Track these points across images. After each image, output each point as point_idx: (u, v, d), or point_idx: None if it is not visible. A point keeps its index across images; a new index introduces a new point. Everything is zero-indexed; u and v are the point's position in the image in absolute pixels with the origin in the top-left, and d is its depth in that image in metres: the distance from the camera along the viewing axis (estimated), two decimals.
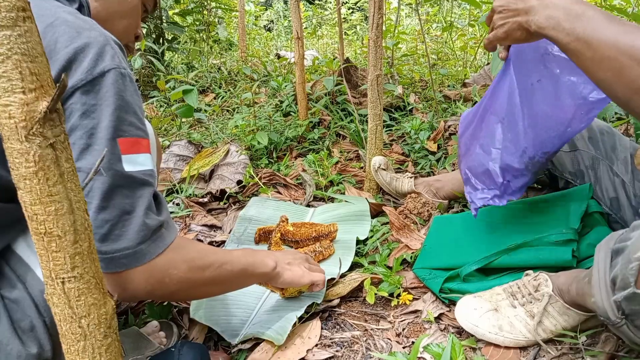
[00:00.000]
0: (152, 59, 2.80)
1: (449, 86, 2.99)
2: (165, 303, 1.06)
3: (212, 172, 1.82)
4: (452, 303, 1.02)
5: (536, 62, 0.94)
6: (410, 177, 1.54)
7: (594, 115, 0.90)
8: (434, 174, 1.77)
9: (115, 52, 0.70)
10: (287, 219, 1.34)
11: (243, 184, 1.72)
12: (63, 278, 0.55)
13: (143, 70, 2.89)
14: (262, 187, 1.68)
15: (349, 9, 7.76)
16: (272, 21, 8.90)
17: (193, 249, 0.76)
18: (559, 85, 0.92)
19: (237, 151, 1.86)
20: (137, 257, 0.68)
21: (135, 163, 0.69)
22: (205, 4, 3.74)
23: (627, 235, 0.64)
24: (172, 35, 3.21)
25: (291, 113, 2.49)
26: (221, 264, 0.78)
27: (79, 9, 0.81)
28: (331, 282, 1.10)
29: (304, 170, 1.86)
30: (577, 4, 0.67)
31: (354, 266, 1.19)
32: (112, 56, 0.69)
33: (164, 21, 3.05)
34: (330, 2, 7.87)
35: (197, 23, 3.74)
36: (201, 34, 3.92)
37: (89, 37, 0.68)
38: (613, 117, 1.97)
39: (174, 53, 3.36)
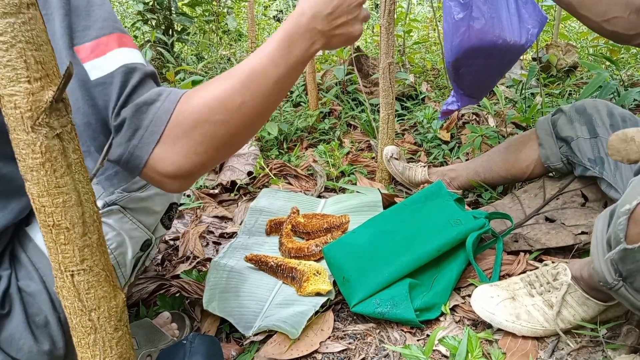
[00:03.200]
0: (162, 51, 2.79)
1: None
2: (177, 294, 1.06)
3: (222, 163, 1.81)
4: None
5: None
6: (424, 167, 1.51)
7: (461, 33, 1.12)
8: (447, 164, 1.75)
9: None
10: (298, 211, 1.33)
11: (253, 175, 1.71)
12: (72, 271, 0.54)
13: (153, 62, 2.88)
14: (272, 178, 1.67)
15: None
16: (281, 11, 8.85)
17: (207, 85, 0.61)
18: (445, 7, 1.15)
19: (247, 142, 1.84)
20: (142, 146, 0.58)
21: (100, 68, 0.59)
22: None
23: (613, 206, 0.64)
24: (182, 27, 3.19)
25: (301, 103, 2.47)
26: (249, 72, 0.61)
27: None
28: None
29: (314, 161, 1.84)
30: None
31: None
32: None
33: (173, 12, 3.04)
34: None
35: (207, 14, 3.72)
36: (210, 25, 3.90)
37: None
38: (632, 104, 1.92)
39: (184, 44, 3.35)
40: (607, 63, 2.52)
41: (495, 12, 1.13)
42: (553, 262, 0.89)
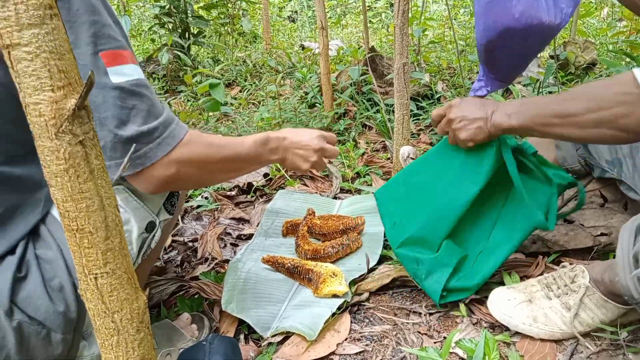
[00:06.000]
0: (179, 54, 2.83)
1: (477, 72, 2.91)
2: (196, 295, 1.07)
3: None
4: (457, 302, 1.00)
5: None
6: None
7: (497, 11, 1.04)
8: None
9: None
10: (314, 212, 1.34)
11: (270, 176, 1.72)
12: (96, 274, 0.55)
13: (170, 65, 2.92)
14: (288, 179, 1.68)
15: None
16: (295, 12, 8.87)
17: (205, 142, 0.79)
18: None
19: None
20: (146, 158, 0.71)
21: (121, 74, 0.69)
22: None
23: None
24: (198, 30, 3.23)
25: (316, 104, 2.48)
26: (232, 151, 0.83)
27: None
28: (360, 278, 1.09)
29: (330, 162, 1.85)
30: (516, 101, 0.89)
31: (382, 259, 1.17)
32: None
33: (189, 15, 3.07)
34: None
35: (222, 16, 3.75)
36: (226, 27, 3.94)
37: None
38: None
39: (200, 47, 3.39)
40: (627, 59, 2.47)
41: None
42: (571, 264, 0.88)
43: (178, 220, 1.46)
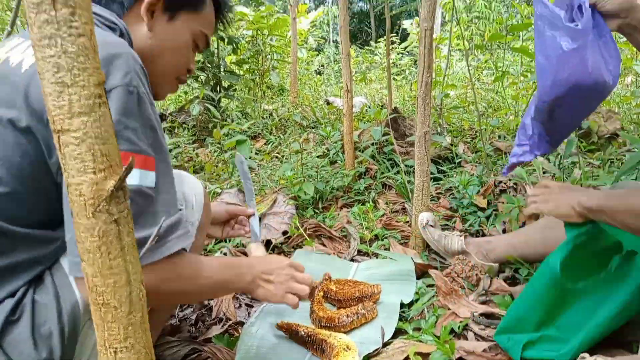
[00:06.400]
0: (209, 106, 2.94)
1: (499, 137, 2.93)
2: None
3: (259, 220, 1.85)
4: None
5: (536, 18, 1.09)
6: (460, 236, 1.49)
7: (572, 65, 1.02)
8: (483, 232, 1.72)
9: (129, 71, 0.71)
10: (330, 277, 1.33)
11: (288, 234, 1.73)
12: (116, 348, 0.56)
13: (200, 117, 3.03)
14: (307, 239, 1.69)
15: (398, 54, 7.89)
16: (322, 65, 9.19)
17: (186, 265, 0.79)
18: (545, 38, 1.06)
19: (284, 201, 1.88)
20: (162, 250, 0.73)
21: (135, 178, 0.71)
22: (261, 51, 3.92)
23: None
24: (229, 83, 3.36)
25: (338, 161, 2.52)
26: (203, 279, 0.83)
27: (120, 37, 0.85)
28: (374, 353, 1.07)
29: (348, 222, 1.86)
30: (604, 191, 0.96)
31: (397, 333, 1.15)
32: (123, 74, 0.70)
33: (222, 70, 3.22)
34: (380, 48, 8.04)
35: (253, 71, 3.90)
36: (255, 80, 4.09)
37: (106, 53, 0.70)
38: None
39: (230, 100, 3.52)
40: None
41: (596, 49, 1.04)
42: (591, 356, 0.85)
43: None
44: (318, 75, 7.88)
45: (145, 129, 0.73)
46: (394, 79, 7.12)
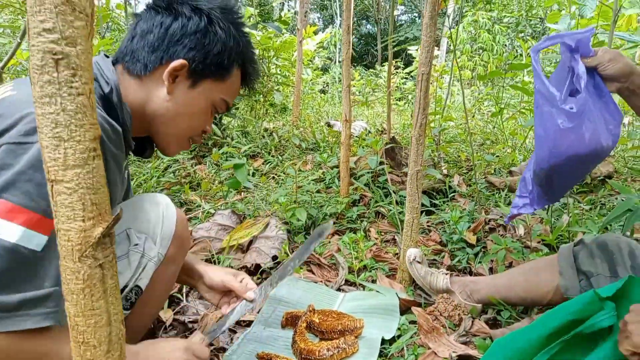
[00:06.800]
0: None
1: (495, 171, 2.97)
2: None
3: (250, 242, 1.88)
4: None
5: (535, 91, 1.15)
6: (446, 274, 1.51)
7: (569, 140, 1.07)
8: (470, 269, 1.74)
9: None
10: (313, 309, 1.35)
11: (278, 259, 1.75)
12: None
13: None
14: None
15: (402, 78, 8.00)
16: (327, 84, 9.30)
17: (48, 344, 0.73)
18: (543, 112, 1.12)
19: (276, 225, 1.91)
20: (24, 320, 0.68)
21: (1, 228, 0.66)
22: (266, 72, 3.98)
23: None
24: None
25: (332, 186, 2.55)
26: None
27: (109, 93, 0.85)
28: None
29: (338, 250, 1.88)
30: None
31: None
32: None
33: None
34: (385, 71, 8.15)
35: (257, 92, 3.96)
36: (258, 100, 4.15)
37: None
38: None
39: (232, 118, 3.57)
40: None
41: (594, 117, 1.09)
42: None
43: (182, 298, 1.49)
44: (322, 94, 7.98)
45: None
46: (396, 103, 7.20)
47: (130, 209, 0.95)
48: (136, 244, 0.91)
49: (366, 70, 10.77)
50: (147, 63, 0.88)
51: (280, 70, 4.89)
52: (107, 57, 0.92)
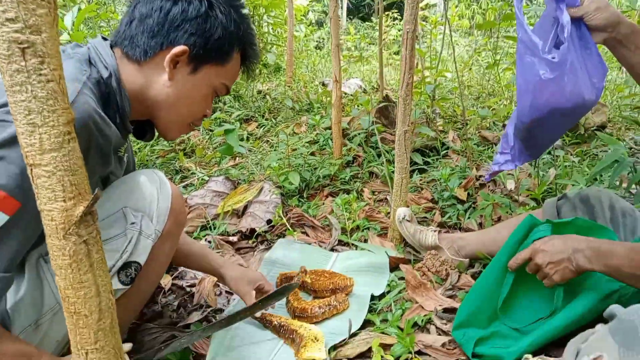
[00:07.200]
0: None
1: (492, 125, 2.97)
2: (185, 347, 1.14)
3: (245, 208, 1.92)
4: None
5: (518, 40, 1.12)
6: (434, 231, 1.56)
7: (550, 92, 1.06)
8: (460, 225, 1.79)
9: None
10: (305, 271, 1.40)
11: (272, 223, 1.80)
12: (87, 350, 0.64)
13: None
14: (289, 229, 1.76)
15: (399, 30, 7.81)
16: (323, 39, 9.09)
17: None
18: (524, 62, 1.09)
19: (270, 190, 1.94)
20: None
21: None
22: (257, 30, 3.91)
23: (588, 337, 0.67)
24: None
25: (326, 147, 2.57)
26: None
27: (108, 78, 0.86)
28: (341, 343, 1.15)
29: (332, 212, 1.92)
30: (595, 243, 0.97)
31: (366, 324, 1.23)
32: None
33: None
34: (384, 23, 7.93)
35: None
36: None
37: None
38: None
39: None
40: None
41: (577, 69, 1.07)
42: (534, 357, 0.92)
43: None
44: (318, 51, 7.81)
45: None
46: (392, 57, 7.06)
47: (126, 188, 0.97)
48: (133, 222, 0.93)
49: (362, 23, 10.49)
50: (147, 49, 0.88)
51: (272, 29, 4.78)
52: (105, 39, 0.91)
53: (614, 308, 0.65)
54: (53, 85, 0.53)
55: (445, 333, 1.19)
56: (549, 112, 1.11)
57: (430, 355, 1.11)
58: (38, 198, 0.56)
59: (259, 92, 3.69)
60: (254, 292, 1.21)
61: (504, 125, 2.90)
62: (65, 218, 0.57)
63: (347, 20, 10.08)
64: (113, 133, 0.86)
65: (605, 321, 0.68)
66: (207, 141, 2.64)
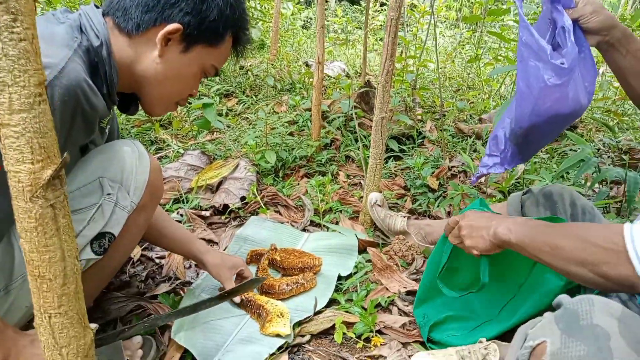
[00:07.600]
0: None
1: (467, 119, 3.02)
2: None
3: (219, 183, 1.92)
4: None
5: (520, 43, 1.07)
6: (404, 217, 1.59)
7: (554, 98, 1.02)
8: (429, 213, 1.83)
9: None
10: (275, 248, 1.42)
11: (246, 200, 1.80)
12: (50, 314, 0.64)
13: None
14: (262, 207, 1.77)
15: (386, 16, 7.76)
16: (310, 18, 8.98)
17: None
18: (528, 66, 1.04)
19: (245, 167, 1.94)
20: None
21: None
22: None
23: (536, 324, 0.70)
24: None
25: (305, 128, 2.57)
26: None
27: (99, 47, 0.85)
28: (306, 320, 1.17)
29: (306, 192, 1.94)
30: (520, 219, 0.94)
31: (331, 302, 1.26)
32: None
33: None
34: (370, 8, 7.88)
35: None
36: None
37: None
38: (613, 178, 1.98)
39: None
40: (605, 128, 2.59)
41: (577, 74, 1.03)
42: (487, 341, 0.97)
43: None
44: (304, 30, 7.72)
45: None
46: (378, 43, 7.05)
47: (104, 157, 0.96)
48: (109, 193, 0.93)
49: (351, 6, 10.40)
50: (140, 23, 0.87)
51: (259, 4, 4.70)
52: (98, 7, 0.90)
53: (562, 297, 0.69)
54: (25, 45, 0.52)
55: (407, 314, 1.23)
56: (549, 118, 1.07)
57: (389, 335, 1.15)
58: (5, 159, 0.56)
59: (241, 67, 3.64)
60: (234, 277, 1.23)
61: (480, 119, 2.95)
62: (32, 180, 0.57)
63: (335, 2, 9.98)
64: (100, 103, 0.85)
65: (554, 310, 0.72)
66: (184, 114, 2.61)
